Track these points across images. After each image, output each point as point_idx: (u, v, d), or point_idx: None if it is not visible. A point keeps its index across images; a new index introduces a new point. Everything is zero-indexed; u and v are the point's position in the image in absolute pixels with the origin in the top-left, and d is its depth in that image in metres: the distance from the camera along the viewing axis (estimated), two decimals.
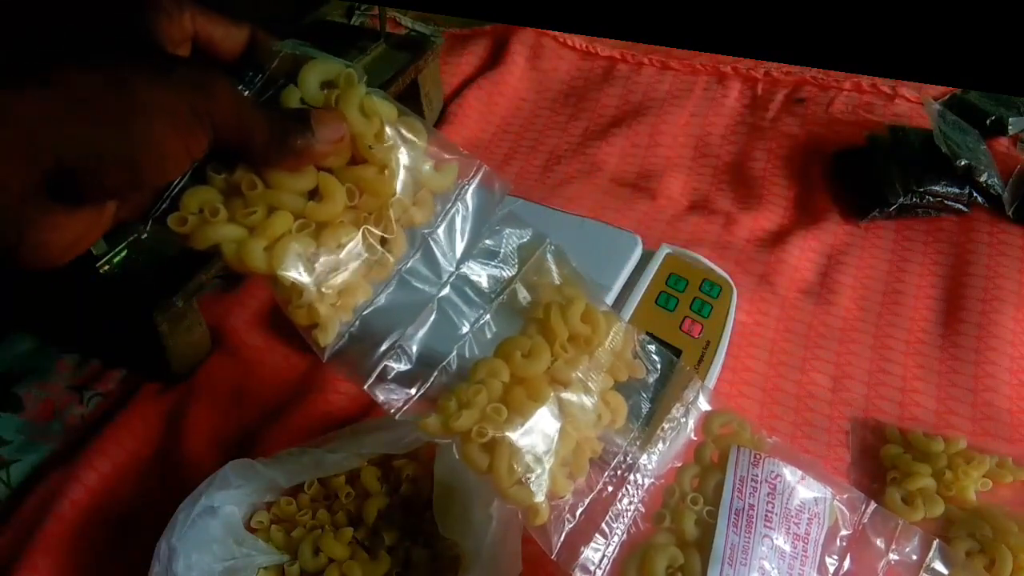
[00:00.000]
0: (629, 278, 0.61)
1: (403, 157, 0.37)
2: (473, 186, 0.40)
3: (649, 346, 0.43)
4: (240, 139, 0.33)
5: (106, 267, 0.55)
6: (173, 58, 0.33)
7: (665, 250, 0.62)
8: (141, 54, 0.31)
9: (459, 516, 0.45)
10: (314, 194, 0.36)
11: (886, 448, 0.56)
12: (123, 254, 0.56)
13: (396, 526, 0.49)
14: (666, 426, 0.42)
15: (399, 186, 0.37)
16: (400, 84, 0.76)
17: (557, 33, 0.96)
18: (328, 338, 0.37)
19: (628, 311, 0.58)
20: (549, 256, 0.42)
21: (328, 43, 0.78)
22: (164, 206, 0.35)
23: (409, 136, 0.38)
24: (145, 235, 0.35)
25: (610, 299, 0.59)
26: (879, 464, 0.56)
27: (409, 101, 0.81)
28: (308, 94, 0.36)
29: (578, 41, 0.96)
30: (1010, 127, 0.80)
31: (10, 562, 0.50)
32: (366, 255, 0.37)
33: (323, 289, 0.36)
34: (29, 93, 0.27)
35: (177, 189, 0.35)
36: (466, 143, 0.85)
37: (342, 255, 0.36)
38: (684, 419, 0.43)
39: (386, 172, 0.37)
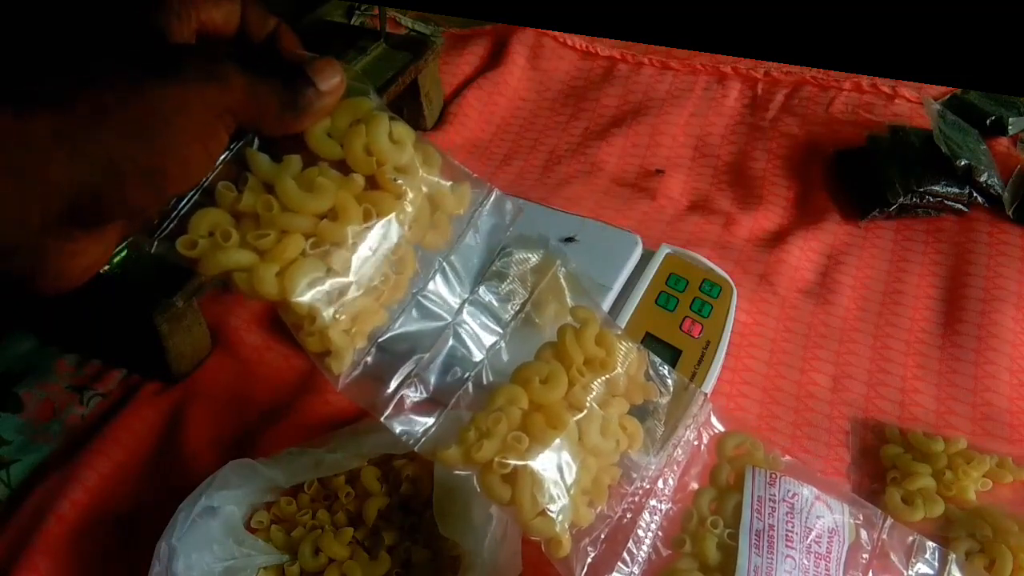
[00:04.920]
0: (629, 278, 0.61)
1: (420, 180, 0.36)
2: (486, 209, 0.40)
3: (661, 368, 0.42)
4: (255, 117, 0.32)
5: (106, 267, 0.55)
6: (179, 53, 0.32)
7: (665, 250, 0.62)
8: (145, 56, 0.30)
9: (459, 516, 0.45)
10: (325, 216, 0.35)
11: (886, 448, 0.56)
12: (123, 254, 0.56)
13: (396, 526, 0.49)
14: (680, 449, 0.41)
15: (416, 210, 0.36)
16: (400, 84, 0.76)
17: (557, 33, 0.96)
18: (342, 366, 0.36)
19: (628, 311, 0.58)
20: (561, 277, 0.41)
21: (328, 43, 0.78)
22: (171, 225, 0.34)
23: (423, 160, 0.37)
24: (150, 253, 0.34)
25: (610, 299, 0.59)
26: (879, 464, 0.56)
27: (409, 101, 0.81)
28: (338, 134, 0.35)
29: (578, 41, 0.96)
30: (1010, 127, 0.80)
31: (10, 562, 0.50)
32: (380, 279, 0.36)
33: (337, 315, 0.35)
34: (40, 117, 0.26)
35: (185, 208, 0.34)
36: (466, 143, 0.85)
37: (356, 278, 0.35)
38: (696, 442, 0.42)
39: (406, 195, 0.36)
